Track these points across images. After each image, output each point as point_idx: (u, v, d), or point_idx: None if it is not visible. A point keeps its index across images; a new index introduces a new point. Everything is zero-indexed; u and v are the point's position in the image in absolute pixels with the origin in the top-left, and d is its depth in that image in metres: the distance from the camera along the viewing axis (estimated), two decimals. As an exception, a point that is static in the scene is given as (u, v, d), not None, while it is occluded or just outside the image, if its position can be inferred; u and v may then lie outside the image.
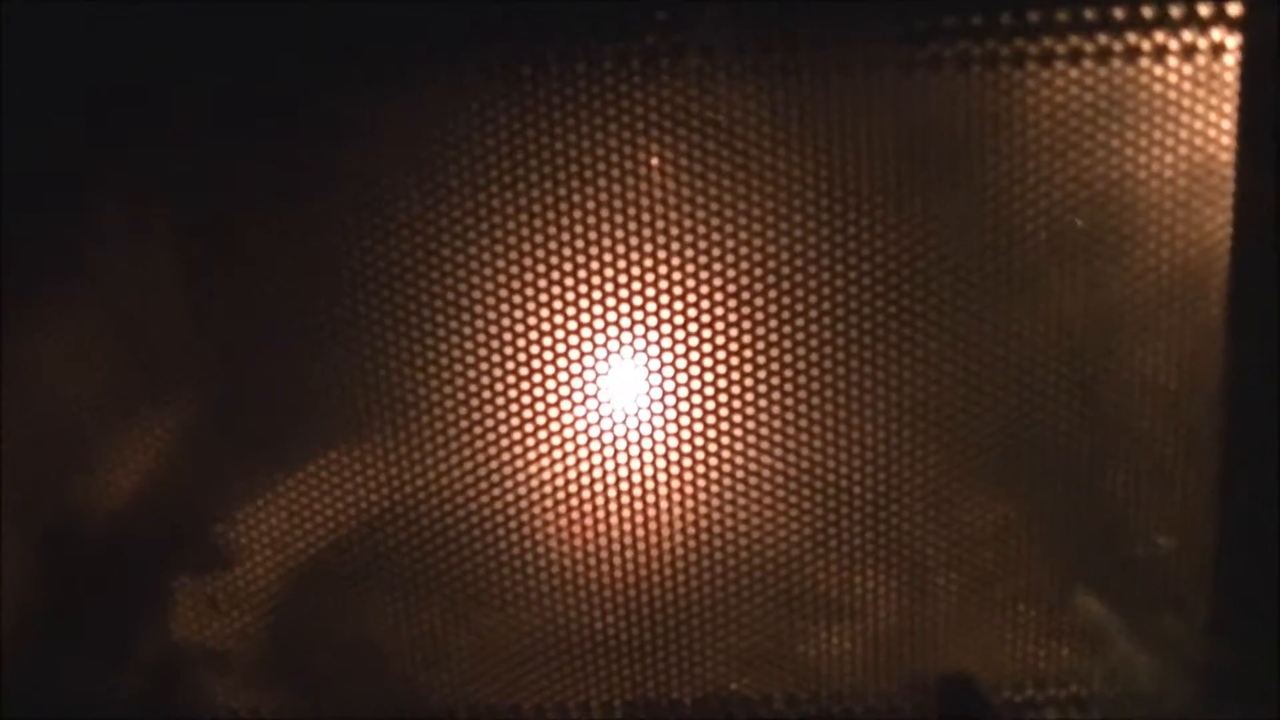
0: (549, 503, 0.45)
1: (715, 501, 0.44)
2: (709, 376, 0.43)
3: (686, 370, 0.43)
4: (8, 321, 0.46)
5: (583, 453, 0.44)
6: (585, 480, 0.44)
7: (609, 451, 0.44)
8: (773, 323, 0.42)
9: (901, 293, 0.41)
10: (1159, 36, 0.38)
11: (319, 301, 0.44)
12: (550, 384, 0.43)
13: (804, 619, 0.45)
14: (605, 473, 0.44)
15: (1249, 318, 0.40)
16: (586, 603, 0.46)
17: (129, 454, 0.48)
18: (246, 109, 0.42)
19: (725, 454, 0.44)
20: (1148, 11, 0.37)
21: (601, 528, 0.45)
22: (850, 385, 0.43)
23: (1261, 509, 0.42)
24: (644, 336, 0.43)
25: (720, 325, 0.42)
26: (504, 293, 0.42)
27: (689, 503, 0.44)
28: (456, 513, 0.45)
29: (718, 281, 0.42)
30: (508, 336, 0.43)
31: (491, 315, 0.43)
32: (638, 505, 0.44)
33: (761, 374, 0.43)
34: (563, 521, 0.45)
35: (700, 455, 0.44)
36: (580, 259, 0.42)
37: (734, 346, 0.42)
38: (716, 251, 0.41)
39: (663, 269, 0.42)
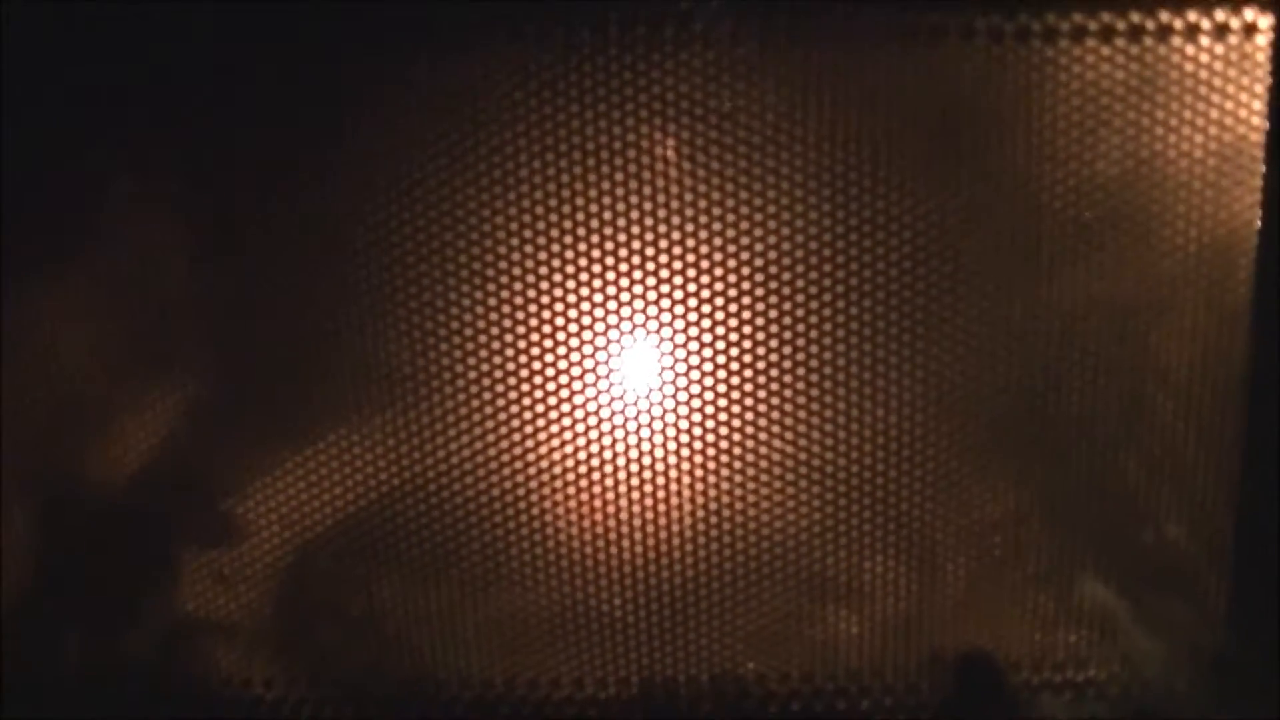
0: (562, 482, 0.45)
1: (730, 483, 0.44)
2: (722, 358, 0.43)
3: (700, 352, 0.43)
4: (13, 293, 0.45)
5: (595, 433, 0.44)
6: (599, 460, 0.44)
7: (622, 432, 0.44)
8: (787, 305, 0.42)
9: (921, 274, 0.41)
10: (1191, 15, 0.38)
11: (333, 276, 0.43)
12: (563, 364, 0.43)
13: (820, 600, 0.45)
14: (619, 453, 0.44)
15: (1274, 301, 0.39)
16: (601, 582, 0.45)
17: (138, 427, 0.48)
18: (267, 76, 0.42)
19: (739, 436, 0.44)
20: (1180, -11, 0.37)
21: (615, 508, 0.45)
22: (865, 369, 0.42)
23: (1277, 497, 0.42)
24: (658, 318, 0.42)
25: (734, 308, 0.42)
26: (517, 272, 0.42)
27: (704, 484, 0.44)
28: (468, 490, 0.45)
29: (733, 264, 0.41)
30: (521, 315, 0.43)
31: (505, 294, 0.42)
32: (653, 486, 0.44)
33: (775, 357, 0.42)
34: (576, 501, 0.45)
35: (714, 437, 0.44)
36: (595, 240, 0.42)
37: (747, 329, 0.42)
38: (733, 233, 0.41)
39: (678, 251, 0.41)
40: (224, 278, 0.46)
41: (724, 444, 0.44)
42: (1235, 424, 0.42)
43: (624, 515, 0.45)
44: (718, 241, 0.41)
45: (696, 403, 0.43)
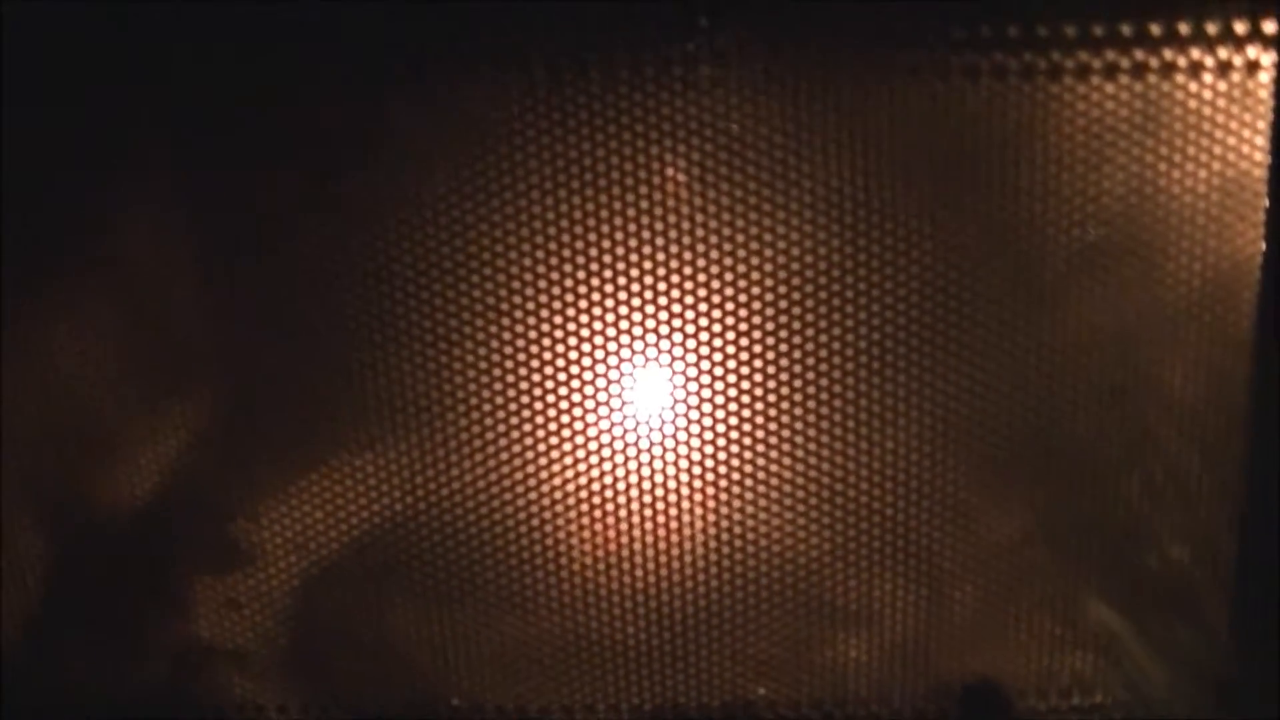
0: (574, 508, 0.45)
1: (740, 509, 0.45)
2: (733, 385, 0.43)
3: (710, 378, 0.43)
4: (23, 316, 0.46)
5: (606, 459, 0.44)
6: (610, 486, 0.45)
7: (633, 458, 0.44)
8: (797, 332, 0.42)
9: (928, 304, 0.41)
10: (1194, 53, 0.38)
11: (347, 302, 0.44)
12: (575, 390, 0.44)
13: (829, 626, 0.46)
14: (630, 479, 0.44)
15: (1276, 332, 0.40)
16: (613, 608, 0.46)
17: (152, 452, 0.48)
18: (281, 105, 0.42)
19: (749, 462, 0.44)
20: (1184, 28, 0.38)
21: (626, 534, 0.45)
22: (874, 395, 0.43)
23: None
24: (668, 345, 0.43)
25: (745, 335, 0.42)
26: (530, 301, 0.43)
27: (714, 510, 0.45)
28: (480, 516, 0.45)
29: (744, 292, 0.42)
30: (534, 341, 0.43)
31: (518, 321, 0.43)
32: (663, 512, 0.45)
33: (785, 383, 0.43)
34: (587, 527, 0.45)
35: (724, 463, 0.44)
36: (608, 268, 0.42)
37: (758, 356, 0.43)
38: (744, 262, 0.42)
39: (690, 279, 0.42)
40: (238, 303, 0.46)
41: (734, 472, 0.44)
42: (1238, 451, 0.42)
43: (635, 542, 0.45)
44: (730, 271, 0.42)
45: (707, 429, 0.44)
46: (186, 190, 0.45)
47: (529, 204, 0.42)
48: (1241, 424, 0.42)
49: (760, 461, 0.44)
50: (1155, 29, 0.38)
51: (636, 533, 0.45)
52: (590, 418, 0.44)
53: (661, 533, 0.45)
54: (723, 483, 0.44)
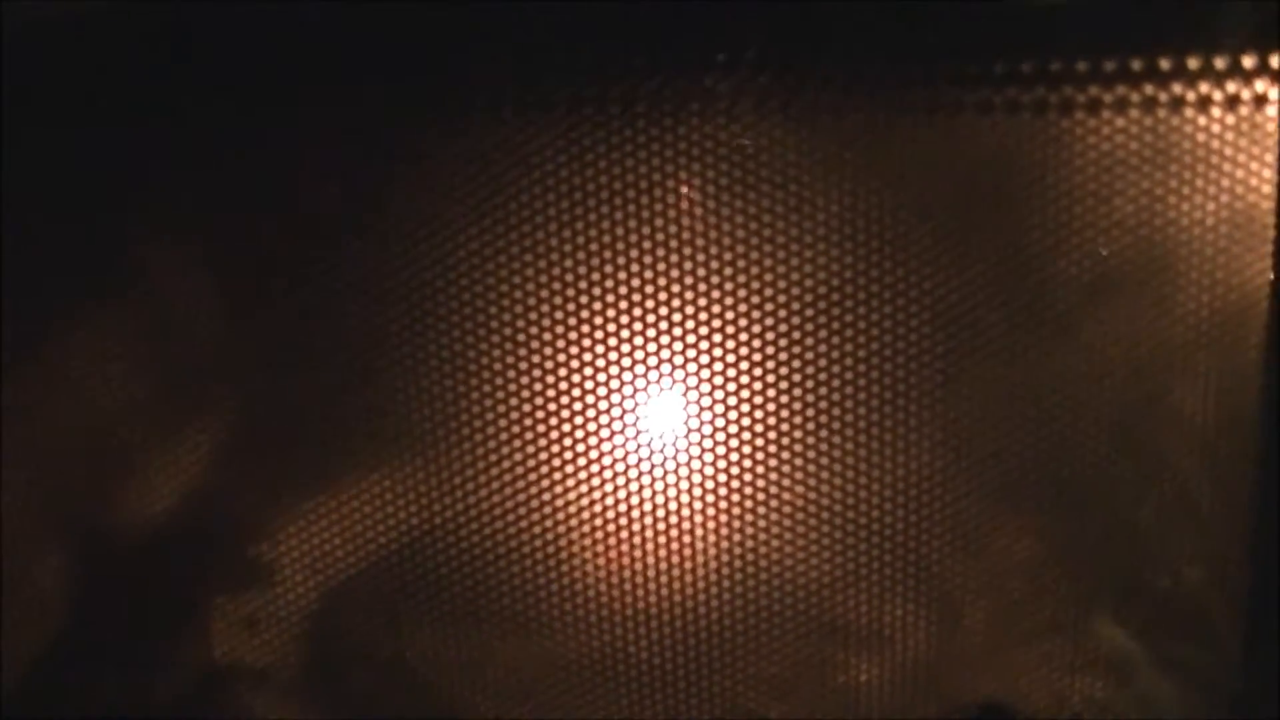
0: (588, 529, 0.45)
1: (753, 532, 0.45)
2: (745, 409, 0.44)
3: (723, 403, 0.44)
4: (43, 338, 0.46)
5: (620, 482, 0.45)
6: (623, 508, 0.45)
7: (646, 480, 0.45)
8: (810, 358, 0.43)
9: (940, 333, 0.42)
10: (1204, 87, 0.38)
11: (364, 324, 0.44)
12: (589, 413, 0.44)
13: (841, 648, 0.46)
14: (643, 501, 0.45)
15: (1285, 361, 0.40)
16: (626, 628, 0.46)
17: (169, 472, 0.48)
18: (300, 134, 0.43)
19: (762, 486, 0.44)
20: (1193, 63, 0.38)
21: (640, 555, 0.45)
22: (886, 422, 0.43)
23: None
24: (681, 369, 0.43)
25: (759, 362, 0.43)
26: (545, 326, 0.43)
27: (727, 532, 0.45)
28: (494, 537, 0.46)
29: (757, 320, 0.42)
30: (548, 366, 0.44)
31: (532, 346, 0.43)
32: (676, 534, 0.45)
33: (798, 408, 0.43)
34: (601, 548, 0.46)
35: (737, 486, 0.44)
36: (623, 295, 0.43)
37: (772, 382, 0.43)
38: (757, 292, 0.42)
39: (703, 304, 0.42)
40: (257, 327, 0.47)
41: (747, 495, 0.45)
42: (1247, 474, 0.43)
43: (648, 563, 0.45)
44: (743, 297, 0.42)
45: (720, 457, 0.44)
46: (207, 216, 0.46)
47: (546, 233, 0.42)
48: (1250, 448, 0.42)
49: (774, 485, 0.44)
50: (1165, 64, 0.38)
51: (650, 554, 0.45)
52: (603, 440, 0.44)
53: (674, 554, 0.45)
54: (736, 505, 0.45)
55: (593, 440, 0.44)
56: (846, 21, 0.39)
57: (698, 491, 0.45)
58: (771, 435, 0.44)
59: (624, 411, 0.44)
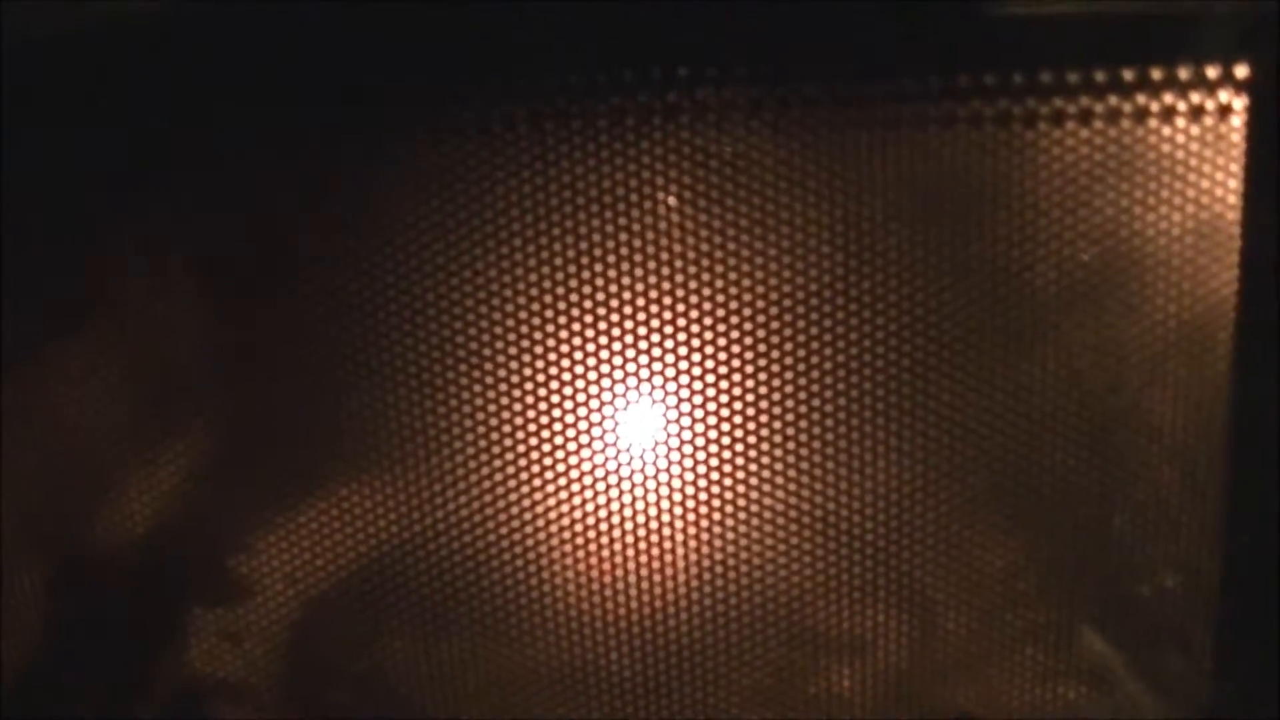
0: (565, 539, 0.45)
1: (730, 540, 0.45)
2: (722, 418, 0.44)
3: (699, 412, 0.44)
4: (21, 354, 0.46)
5: (597, 491, 0.45)
6: (600, 518, 0.45)
7: (623, 490, 0.45)
8: (787, 367, 0.43)
9: (911, 344, 0.42)
10: (1168, 98, 0.38)
11: (340, 338, 0.44)
12: (565, 423, 0.44)
13: (819, 656, 0.46)
14: (620, 511, 0.45)
15: (1253, 370, 0.40)
16: (603, 637, 0.46)
17: (146, 486, 0.49)
18: (272, 147, 0.43)
19: (739, 495, 0.44)
20: (1156, 74, 0.38)
21: (617, 564, 0.46)
22: (864, 429, 0.43)
23: (1266, 552, 0.43)
24: (658, 379, 0.43)
25: (735, 369, 0.43)
26: (519, 337, 0.43)
27: (704, 541, 0.45)
28: (472, 547, 0.46)
29: (731, 329, 0.43)
30: (524, 376, 0.44)
31: (511, 354, 0.44)
32: (653, 543, 0.45)
33: (775, 416, 0.43)
34: (578, 558, 0.46)
35: (714, 495, 0.45)
36: (595, 306, 0.43)
37: (749, 390, 0.43)
38: (732, 299, 0.42)
39: (679, 314, 0.43)
40: (233, 339, 0.47)
41: (724, 503, 0.45)
42: (1220, 484, 0.43)
43: (626, 572, 0.46)
44: (719, 307, 0.42)
45: (697, 465, 0.44)
46: (182, 234, 0.46)
47: (516, 246, 0.42)
48: (1222, 456, 0.42)
49: (751, 493, 0.44)
50: (1129, 75, 0.38)
51: (627, 563, 0.46)
52: (580, 450, 0.44)
53: (652, 563, 0.45)
54: (713, 514, 0.45)
55: (569, 451, 0.44)
56: (812, 35, 0.39)
57: (674, 501, 0.45)
58: (747, 445, 0.44)
59: (600, 422, 0.44)
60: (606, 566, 0.46)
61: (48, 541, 0.49)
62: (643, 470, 0.44)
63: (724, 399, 0.43)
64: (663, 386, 0.43)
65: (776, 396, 0.43)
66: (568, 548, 0.46)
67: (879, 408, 0.43)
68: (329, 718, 0.50)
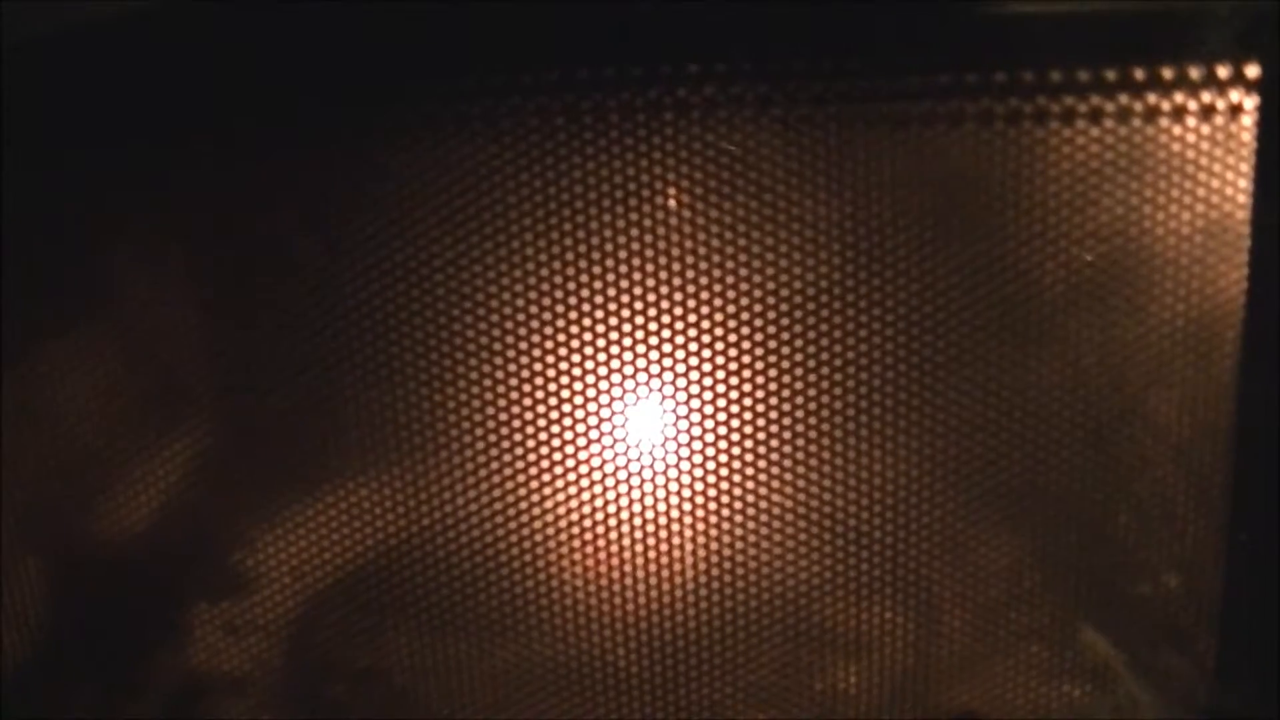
0: (568, 536, 0.45)
1: (734, 538, 0.45)
2: (726, 416, 0.44)
3: (703, 409, 0.44)
4: (21, 348, 0.46)
5: (600, 488, 0.45)
6: (605, 515, 0.45)
7: (628, 488, 0.45)
8: (793, 365, 0.43)
9: (917, 342, 0.42)
10: (1178, 97, 0.38)
11: (344, 334, 0.44)
12: (570, 419, 0.44)
13: (822, 654, 0.46)
14: (625, 509, 0.45)
15: (1260, 370, 0.40)
16: (607, 635, 0.46)
17: (148, 480, 0.48)
18: (273, 146, 0.43)
19: (743, 492, 0.44)
20: (1167, 73, 0.38)
21: (622, 563, 0.46)
22: (867, 427, 0.43)
23: (1268, 551, 0.43)
24: (661, 376, 0.43)
25: (740, 368, 0.43)
26: (523, 333, 0.43)
27: (708, 539, 0.45)
28: (475, 544, 0.46)
29: (738, 325, 0.42)
30: (531, 372, 0.44)
31: (515, 350, 0.43)
32: (657, 541, 0.45)
33: (779, 413, 0.43)
34: (582, 555, 0.46)
35: (718, 493, 0.44)
36: (600, 302, 0.42)
37: (755, 388, 0.43)
38: (738, 296, 0.42)
39: (685, 312, 0.42)
40: (235, 337, 0.47)
41: (728, 501, 0.45)
42: (1224, 482, 0.43)
43: (629, 570, 0.46)
44: (725, 305, 0.42)
45: (700, 464, 0.44)
46: (181, 227, 0.46)
47: (521, 241, 0.42)
48: (1227, 455, 0.42)
49: (754, 491, 0.44)
50: (1139, 74, 0.38)
51: (631, 560, 0.45)
52: (583, 447, 0.44)
53: (656, 560, 0.45)
54: (717, 512, 0.45)
55: (573, 447, 0.44)
56: (822, 32, 0.39)
57: (679, 499, 0.44)
58: (752, 443, 0.44)
59: (605, 419, 0.44)
60: (610, 563, 0.46)
61: (48, 536, 0.49)
62: (649, 467, 0.44)
63: (733, 394, 0.43)
64: (671, 383, 0.43)
65: (785, 394, 0.43)
66: (572, 544, 0.45)
67: (887, 404, 0.43)
68: (330, 713, 0.50)
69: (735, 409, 0.43)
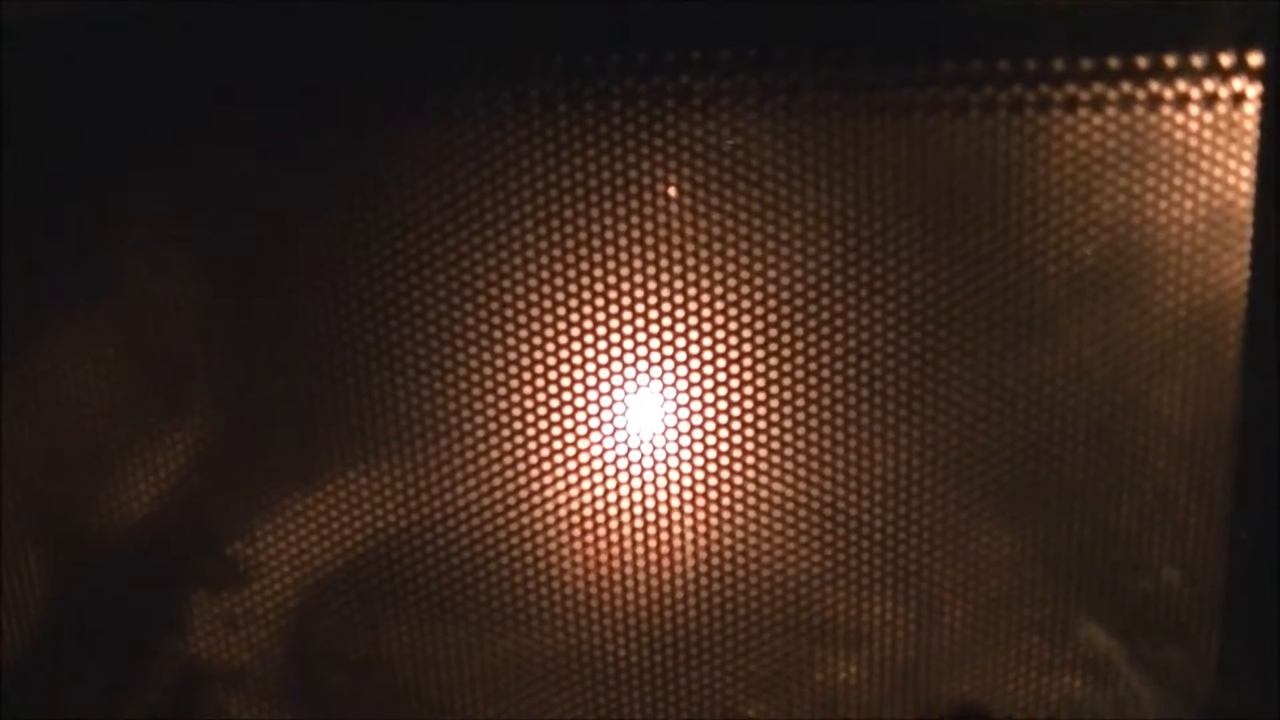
0: (567, 527, 0.45)
1: (732, 530, 0.45)
2: (725, 407, 0.43)
3: (703, 400, 0.43)
4: (20, 337, 0.46)
5: (599, 480, 0.45)
6: (603, 506, 0.45)
7: (627, 478, 0.45)
8: (792, 356, 0.43)
9: (919, 331, 0.42)
10: (1181, 85, 0.38)
11: (344, 323, 0.44)
12: (568, 410, 0.44)
13: (820, 646, 0.46)
14: (624, 499, 0.45)
15: (1263, 361, 0.40)
16: (604, 627, 0.46)
17: (147, 470, 0.48)
18: (274, 131, 0.43)
19: (741, 484, 0.44)
20: (1170, 60, 0.38)
21: (620, 553, 0.45)
22: (868, 418, 0.43)
23: (1269, 549, 0.43)
24: (661, 366, 0.43)
25: (740, 357, 0.43)
26: (523, 323, 0.43)
27: (706, 531, 0.45)
28: (474, 535, 0.46)
29: (739, 315, 0.42)
30: (527, 363, 0.43)
31: (515, 341, 0.43)
32: (655, 533, 0.45)
33: (780, 405, 0.43)
34: (580, 546, 0.46)
35: (716, 484, 0.44)
36: (604, 289, 0.42)
37: (753, 379, 0.43)
38: (739, 286, 0.42)
39: (685, 301, 0.42)
40: (233, 323, 0.47)
41: (726, 493, 0.44)
42: (1227, 475, 0.43)
43: (627, 562, 0.45)
44: (724, 295, 0.42)
45: (699, 455, 0.44)
46: (183, 217, 0.46)
47: (522, 229, 0.42)
48: (1229, 449, 0.42)
49: (753, 483, 0.44)
50: (1142, 62, 0.38)
51: (629, 552, 0.45)
52: (583, 438, 0.44)
53: (654, 553, 0.45)
54: (715, 504, 0.45)
55: (572, 438, 0.44)
56: (826, 20, 0.39)
57: (677, 489, 0.44)
58: (751, 433, 0.44)
59: (604, 409, 0.44)
60: (608, 554, 0.46)
61: (47, 526, 0.49)
62: (648, 457, 0.44)
63: (733, 384, 0.43)
64: (671, 372, 0.43)
65: (785, 383, 0.43)
66: (571, 535, 0.45)
67: (888, 395, 0.43)
68: (328, 704, 0.50)
69: (735, 399, 0.43)
